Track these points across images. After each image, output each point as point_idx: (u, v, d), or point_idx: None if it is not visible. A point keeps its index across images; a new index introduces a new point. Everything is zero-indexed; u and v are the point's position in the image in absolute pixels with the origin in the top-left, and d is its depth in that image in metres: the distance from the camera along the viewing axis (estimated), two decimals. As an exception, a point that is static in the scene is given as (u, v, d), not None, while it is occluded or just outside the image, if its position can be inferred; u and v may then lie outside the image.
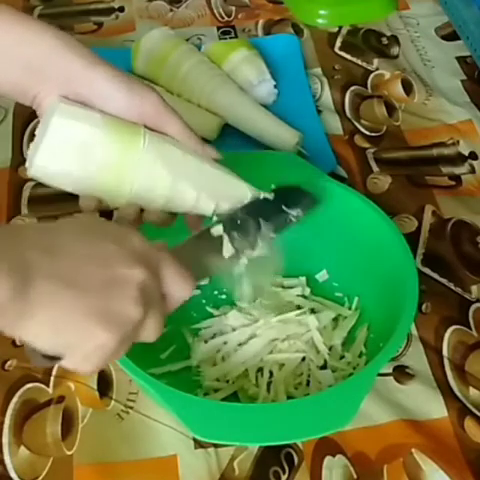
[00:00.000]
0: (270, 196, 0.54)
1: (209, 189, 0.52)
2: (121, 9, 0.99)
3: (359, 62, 0.91)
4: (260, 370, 0.59)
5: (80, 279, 0.40)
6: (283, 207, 0.55)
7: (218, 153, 0.53)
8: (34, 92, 0.50)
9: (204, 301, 0.64)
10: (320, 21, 0.96)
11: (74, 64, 0.49)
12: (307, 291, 0.64)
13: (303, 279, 0.65)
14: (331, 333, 0.61)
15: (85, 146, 0.48)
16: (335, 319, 0.62)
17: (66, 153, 0.48)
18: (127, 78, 0.50)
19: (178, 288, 0.45)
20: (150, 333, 0.44)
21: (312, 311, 0.62)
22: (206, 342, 0.61)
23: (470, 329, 0.64)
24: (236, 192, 0.53)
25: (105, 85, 0.49)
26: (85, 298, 0.39)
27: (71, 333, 0.39)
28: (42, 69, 0.49)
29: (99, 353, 0.41)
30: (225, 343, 0.60)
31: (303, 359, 0.60)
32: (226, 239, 0.53)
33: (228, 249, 0.53)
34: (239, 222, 0.53)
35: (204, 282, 0.61)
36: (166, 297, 0.45)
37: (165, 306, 0.45)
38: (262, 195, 0.54)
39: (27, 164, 0.49)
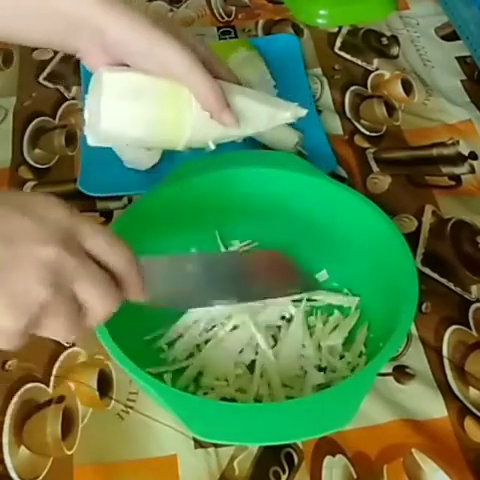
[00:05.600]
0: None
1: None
2: (121, 9, 0.99)
3: (359, 62, 0.91)
4: (252, 363, 0.59)
5: None
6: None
7: (234, 121, 0.54)
8: (73, 44, 0.51)
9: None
10: (320, 21, 0.96)
11: (101, 20, 0.49)
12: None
13: (303, 277, 0.65)
14: (331, 333, 0.61)
15: (139, 95, 0.51)
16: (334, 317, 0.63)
17: (124, 108, 0.51)
18: (150, 31, 0.50)
19: (114, 257, 0.41)
20: (59, 322, 0.39)
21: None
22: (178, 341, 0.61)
23: (470, 329, 0.64)
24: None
25: (129, 43, 0.50)
26: None
27: None
28: (77, 23, 0.49)
29: (3, 337, 0.38)
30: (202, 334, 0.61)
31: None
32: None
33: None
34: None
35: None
36: (101, 273, 0.41)
37: (98, 284, 0.41)
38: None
39: (87, 131, 0.53)
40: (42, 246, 0.38)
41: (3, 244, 0.37)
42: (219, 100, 0.52)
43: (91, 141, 0.53)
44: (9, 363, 0.61)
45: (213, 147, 0.56)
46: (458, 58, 0.91)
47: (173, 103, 0.52)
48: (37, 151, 0.80)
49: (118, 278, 0.43)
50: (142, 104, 0.51)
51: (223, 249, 0.67)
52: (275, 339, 0.61)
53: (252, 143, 0.77)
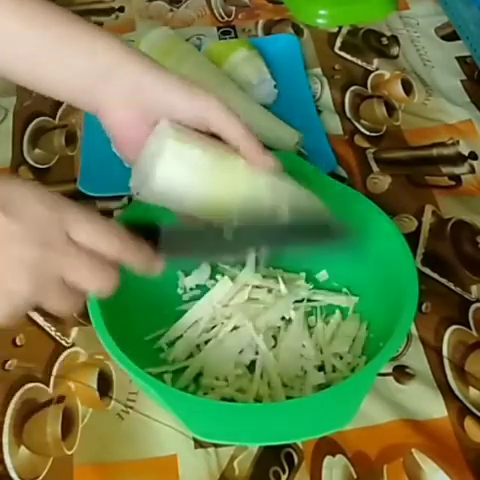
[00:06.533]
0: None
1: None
2: (121, 9, 0.99)
3: (359, 62, 0.91)
4: (252, 363, 0.59)
5: None
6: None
7: (276, 162, 0.53)
8: (98, 101, 0.52)
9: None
10: (320, 21, 0.96)
11: (140, 75, 0.51)
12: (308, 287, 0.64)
13: (303, 275, 0.65)
14: (335, 340, 0.61)
15: (196, 166, 0.50)
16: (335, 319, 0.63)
17: (180, 174, 0.50)
18: (188, 86, 0.51)
19: (103, 241, 0.44)
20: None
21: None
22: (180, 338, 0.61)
23: (470, 329, 0.64)
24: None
25: (169, 95, 0.51)
26: None
27: None
28: (109, 79, 0.51)
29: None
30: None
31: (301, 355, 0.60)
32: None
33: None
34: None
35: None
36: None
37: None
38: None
39: (133, 185, 0.52)
40: (22, 246, 0.41)
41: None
42: (259, 144, 0.52)
43: (135, 191, 0.52)
44: (9, 363, 0.61)
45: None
46: (458, 58, 0.91)
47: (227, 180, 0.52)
48: (37, 151, 0.80)
49: (113, 259, 0.45)
50: (198, 175, 0.51)
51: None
52: (275, 339, 0.61)
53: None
